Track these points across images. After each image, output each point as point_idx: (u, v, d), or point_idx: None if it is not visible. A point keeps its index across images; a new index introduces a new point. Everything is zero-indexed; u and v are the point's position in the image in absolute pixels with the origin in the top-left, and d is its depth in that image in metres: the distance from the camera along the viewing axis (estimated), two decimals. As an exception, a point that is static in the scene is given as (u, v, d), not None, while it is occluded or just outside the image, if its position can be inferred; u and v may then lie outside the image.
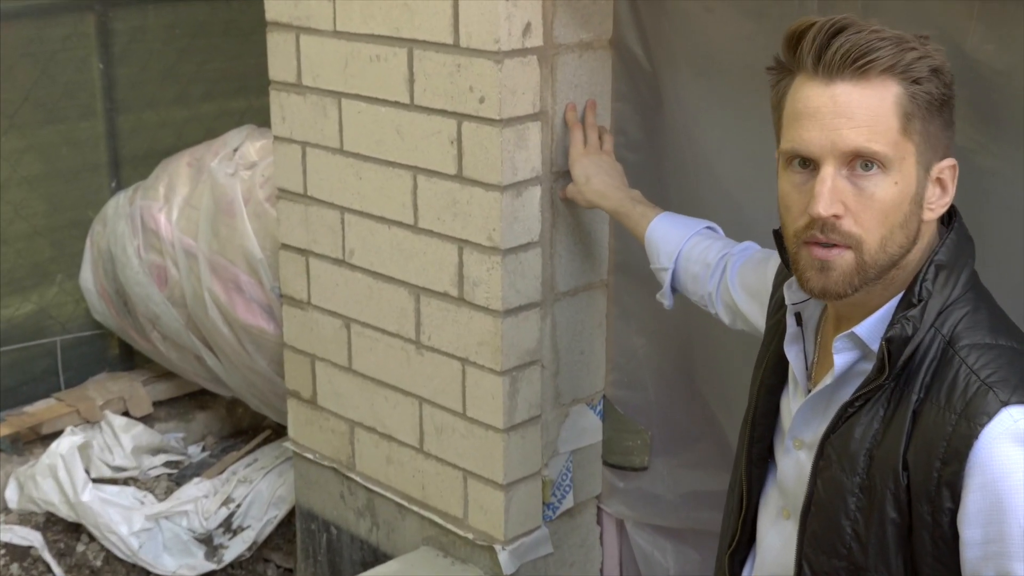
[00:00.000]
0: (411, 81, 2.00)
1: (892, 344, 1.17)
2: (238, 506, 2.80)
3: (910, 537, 1.16)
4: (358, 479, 2.34)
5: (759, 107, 1.62)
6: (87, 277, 3.05)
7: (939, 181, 1.21)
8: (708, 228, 1.77)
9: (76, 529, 2.78)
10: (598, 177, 1.88)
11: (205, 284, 2.68)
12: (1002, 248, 1.49)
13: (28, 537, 2.74)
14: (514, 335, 1.99)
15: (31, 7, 2.92)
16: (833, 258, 1.18)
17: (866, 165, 1.16)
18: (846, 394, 1.23)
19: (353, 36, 2.08)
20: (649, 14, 1.96)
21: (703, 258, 1.70)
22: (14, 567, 2.71)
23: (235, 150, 2.75)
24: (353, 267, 2.22)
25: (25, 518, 2.80)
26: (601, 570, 2.31)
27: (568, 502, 2.19)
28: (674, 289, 1.78)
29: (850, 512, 1.20)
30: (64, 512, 2.73)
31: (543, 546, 2.14)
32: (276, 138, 2.32)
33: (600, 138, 1.96)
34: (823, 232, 1.17)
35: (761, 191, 1.67)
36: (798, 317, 1.32)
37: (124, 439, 2.94)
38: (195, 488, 2.83)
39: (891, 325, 1.18)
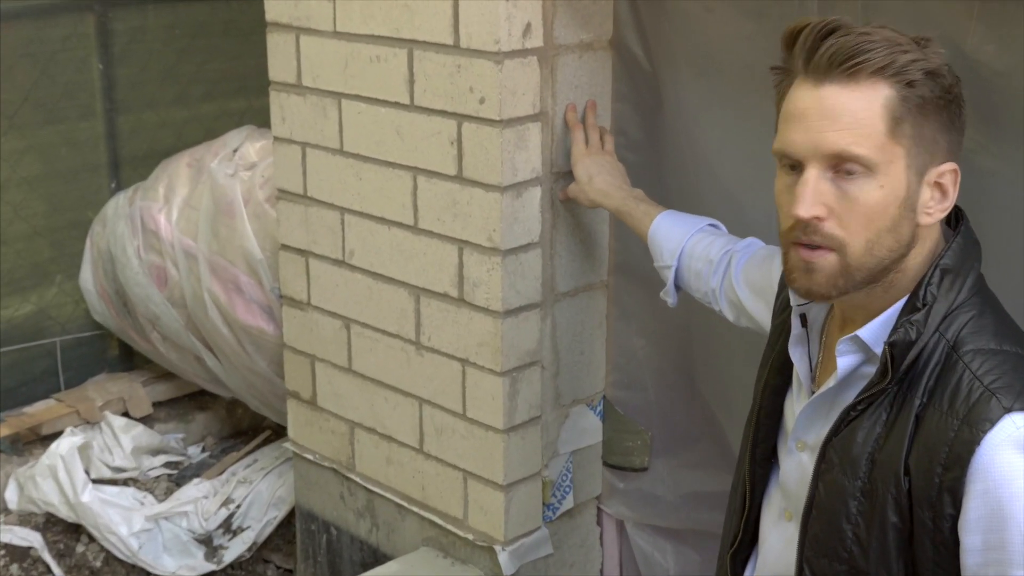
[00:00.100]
0: (411, 82, 2.00)
1: (895, 348, 1.16)
2: (238, 507, 2.80)
3: (911, 542, 1.16)
4: (358, 480, 2.34)
5: (759, 107, 1.62)
6: (87, 278, 3.05)
7: (938, 185, 1.19)
8: (711, 225, 1.77)
9: (76, 530, 2.78)
10: (601, 176, 1.88)
11: (205, 285, 2.68)
12: (1002, 248, 1.48)
13: (28, 538, 2.74)
14: (514, 336, 1.99)
15: (31, 7, 2.92)
16: (817, 260, 1.18)
17: (850, 168, 1.15)
18: (849, 397, 1.23)
19: (353, 37, 2.08)
20: (649, 14, 1.96)
21: (706, 255, 1.70)
22: (14, 568, 2.71)
23: (235, 151, 2.75)
24: (353, 268, 2.22)
25: (25, 519, 2.80)
26: (601, 571, 2.31)
27: (568, 503, 2.19)
28: (677, 287, 1.78)
29: (851, 516, 1.20)
30: (64, 513, 2.73)
31: (543, 547, 2.14)
32: (276, 139, 2.31)
33: (601, 139, 1.96)
34: (806, 234, 1.18)
35: (761, 191, 1.67)
36: (803, 318, 1.32)
37: (124, 440, 2.94)
38: (195, 489, 2.83)
39: (895, 329, 1.18)
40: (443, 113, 1.96)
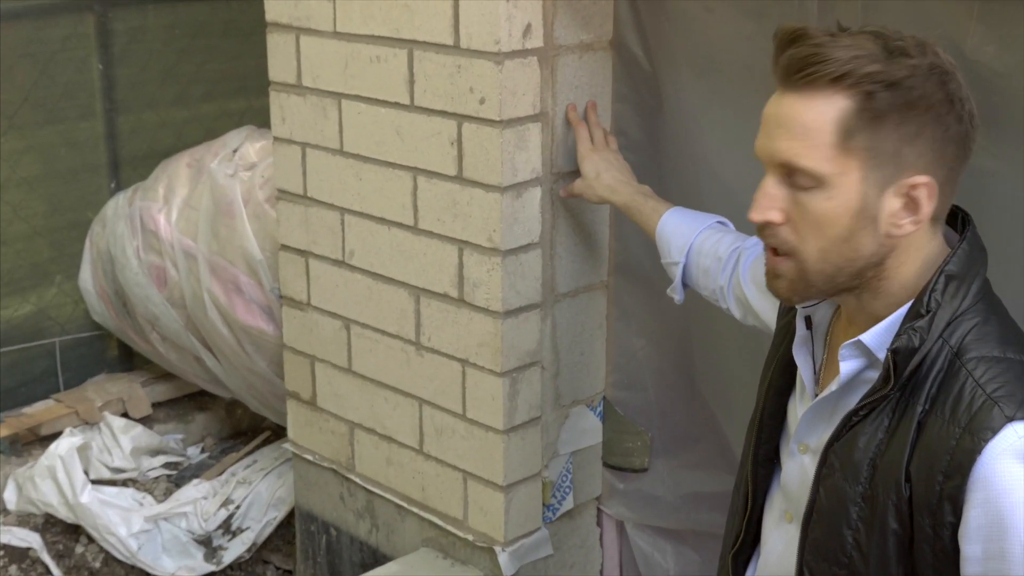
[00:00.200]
0: (411, 82, 2.00)
1: (898, 355, 1.16)
2: (237, 507, 2.80)
3: (911, 549, 1.16)
4: (358, 480, 2.34)
5: (760, 107, 1.61)
6: (86, 278, 3.05)
7: (908, 197, 1.16)
8: (719, 223, 1.76)
9: (75, 530, 2.78)
10: (608, 172, 1.88)
11: (204, 285, 2.68)
12: (1002, 249, 1.48)
13: (27, 538, 2.74)
14: (514, 336, 1.99)
15: (31, 7, 2.92)
16: (779, 265, 1.21)
17: (797, 179, 1.17)
18: (852, 401, 1.22)
19: (353, 37, 2.08)
20: (649, 15, 1.96)
21: (714, 252, 1.70)
22: (13, 568, 2.71)
23: (235, 151, 2.75)
24: (353, 268, 2.22)
25: (24, 519, 2.80)
26: (601, 572, 2.31)
27: (568, 503, 2.19)
28: (684, 284, 1.77)
29: (852, 521, 1.19)
30: (63, 513, 2.73)
31: (543, 547, 2.14)
32: (276, 139, 2.31)
33: (604, 137, 1.96)
34: (764, 238, 1.21)
35: (762, 192, 1.67)
36: (808, 320, 1.32)
37: (123, 440, 2.94)
38: (194, 489, 2.83)
39: (898, 335, 1.17)
40: (443, 113, 1.96)
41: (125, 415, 3.05)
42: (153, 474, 2.98)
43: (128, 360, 3.24)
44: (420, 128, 2.00)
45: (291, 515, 2.73)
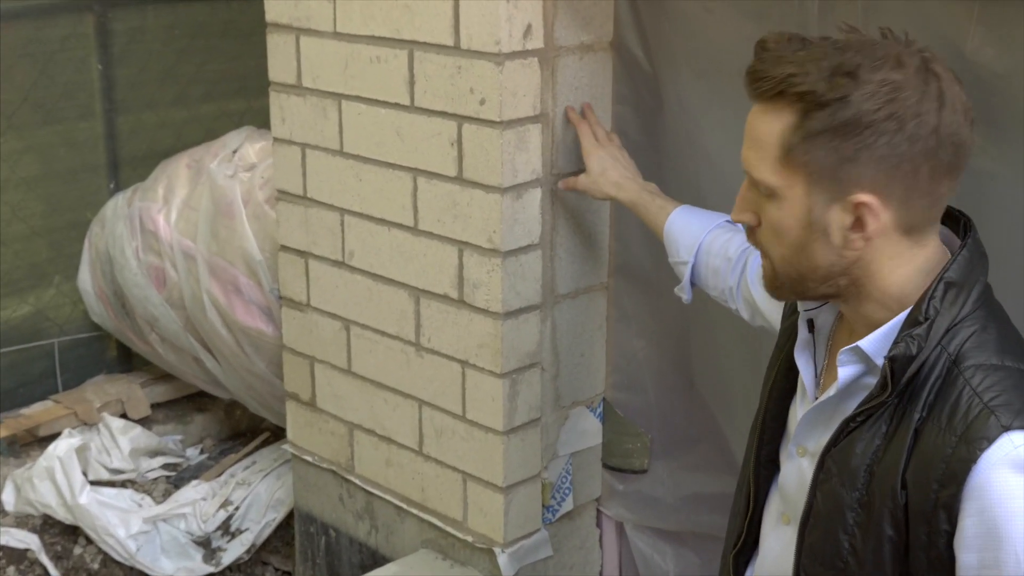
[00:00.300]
0: (411, 83, 2.00)
1: (895, 363, 1.15)
2: (236, 509, 2.80)
3: (906, 556, 1.16)
4: (357, 481, 2.34)
5: (760, 109, 1.61)
6: (85, 279, 3.04)
7: (855, 214, 1.16)
8: (728, 222, 1.75)
9: (73, 532, 2.77)
10: (615, 169, 1.88)
11: (204, 286, 2.67)
12: (1002, 250, 1.48)
13: (25, 540, 2.73)
14: (514, 337, 1.98)
15: (30, 7, 2.92)
16: (763, 262, 1.26)
17: (758, 186, 1.21)
18: (850, 406, 1.22)
19: (353, 37, 2.08)
20: (650, 16, 1.96)
21: (724, 252, 1.69)
22: (11, 570, 2.70)
23: (234, 151, 2.75)
24: (353, 269, 2.21)
25: (22, 521, 2.79)
26: (601, 573, 2.31)
27: (568, 505, 2.18)
28: (693, 283, 1.77)
29: (848, 527, 1.19)
30: (61, 515, 2.72)
31: (542, 549, 2.13)
32: (276, 139, 2.31)
33: (606, 134, 1.96)
34: (747, 237, 1.26)
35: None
36: (811, 323, 1.32)
37: (122, 441, 2.94)
38: (193, 491, 2.83)
39: (896, 343, 1.17)
40: (443, 114, 1.95)
41: (124, 416, 3.05)
42: (152, 475, 2.97)
43: (127, 361, 3.24)
44: (420, 129, 2.00)
45: (290, 516, 2.73)
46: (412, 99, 2.00)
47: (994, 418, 1.10)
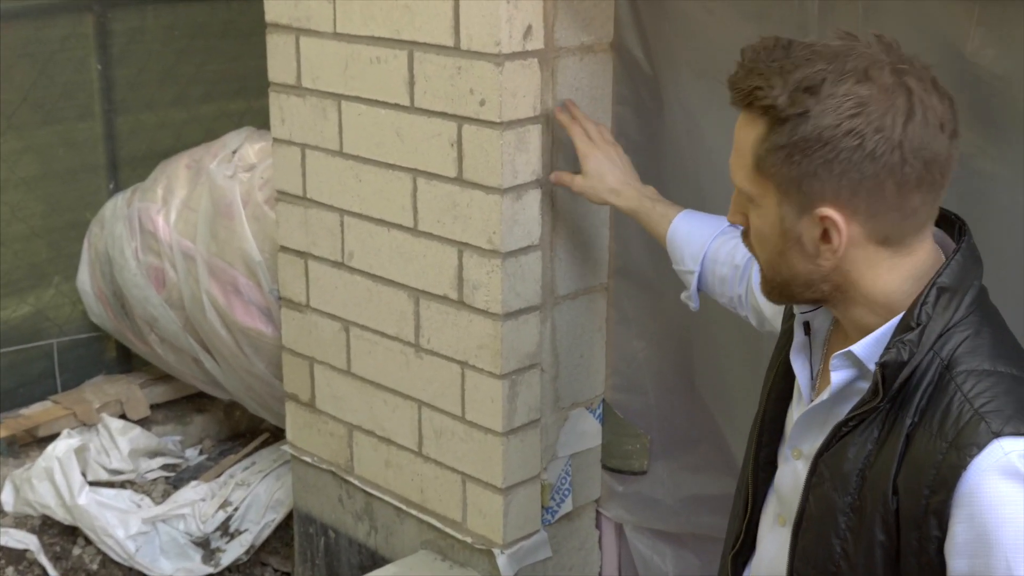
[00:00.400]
0: (411, 83, 1.99)
1: (887, 369, 1.15)
2: (235, 509, 2.80)
3: (898, 560, 1.15)
4: (356, 482, 2.34)
5: (761, 110, 1.61)
6: (84, 279, 3.04)
7: (822, 227, 1.16)
8: (732, 226, 1.72)
9: (72, 532, 2.77)
10: (612, 174, 1.85)
11: (203, 286, 2.67)
12: (1000, 252, 1.48)
13: (24, 540, 2.73)
14: (514, 338, 1.98)
15: (30, 7, 2.92)
16: (758, 266, 1.27)
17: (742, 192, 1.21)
18: (843, 411, 1.22)
19: (353, 38, 2.08)
20: (650, 17, 1.96)
21: (730, 260, 1.68)
22: (10, 570, 2.70)
23: (234, 152, 2.74)
24: (352, 270, 2.21)
25: (21, 521, 2.79)
26: (600, 574, 2.31)
27: (567, 506, 2.18)
28: (700, 290, 1.75)
29: (840, 531, 1.19)
30: (60, 515, 2.72)
31: (542, 550, 2.13)
32: (275, 140, 2.31)
33: (598, 129, 1.91)
34: (742, 239, 1.27)
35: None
36: (807, 326, 1.32)
37: (121, 442, 2.94)
38: (192, 491, 2.82)
39: (887, 348, 1.16)
40: (443, 115, 1.95)
41: (123, 417, 3.05)
42: (151, 476, 2.97)
43: (126, 361, 3.24)
44: (420, 129, 2.00)
45: (289, 517, 2.73)
46: (412, 100, 2.00)
47: (984, 424, 1.10)
